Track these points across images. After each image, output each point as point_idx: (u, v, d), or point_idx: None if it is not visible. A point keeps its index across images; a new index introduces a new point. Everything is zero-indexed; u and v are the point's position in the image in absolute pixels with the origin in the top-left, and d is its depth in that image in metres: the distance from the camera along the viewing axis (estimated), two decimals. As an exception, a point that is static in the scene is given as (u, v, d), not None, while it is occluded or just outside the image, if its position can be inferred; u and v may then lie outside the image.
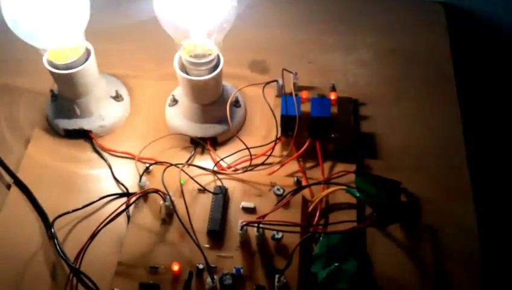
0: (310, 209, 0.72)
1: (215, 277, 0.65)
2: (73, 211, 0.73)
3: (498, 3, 0.96)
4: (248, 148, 0.75)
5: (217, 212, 0.70)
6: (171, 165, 0.72)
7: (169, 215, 0.71)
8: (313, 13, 0.97)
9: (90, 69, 0.77)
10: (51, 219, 0.73)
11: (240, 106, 0.81)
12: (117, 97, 0.83)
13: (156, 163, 0.75)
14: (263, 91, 0.77)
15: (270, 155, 0.76)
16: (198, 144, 0.80)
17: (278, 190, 0.72)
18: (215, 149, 0.79)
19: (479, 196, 0.73)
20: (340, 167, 0.76)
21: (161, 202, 0.71)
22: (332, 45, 0.91)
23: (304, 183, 0.74)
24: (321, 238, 0.68)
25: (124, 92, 0.84)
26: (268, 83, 0.79)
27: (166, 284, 0.66)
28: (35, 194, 0.75)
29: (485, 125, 1.00)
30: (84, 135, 0.81)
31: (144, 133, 0.81)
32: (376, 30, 0.93)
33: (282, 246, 0.68)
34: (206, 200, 0.71)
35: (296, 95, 0.76)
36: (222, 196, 0.71)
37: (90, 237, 0.66)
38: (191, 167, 0.74)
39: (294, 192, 0.71)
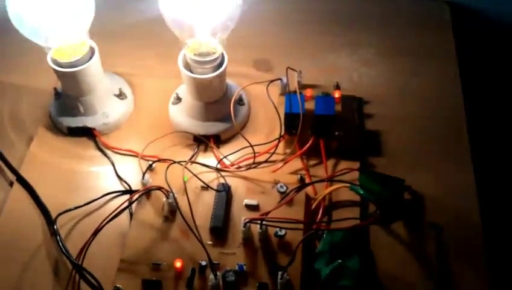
0: (313, 206, 0.72)
1: (217, 273, 0.64)
2: (76, 208, 0.73)
3: (503, 2, 0.96)
4: (252, 146, 0.75)
5: (220, 210, 0.69)
6: (174, 162, 0.72)
7: (172, 212, 0.70)
8: (318, 12, 0.97)
9: (94, 68, 0.77)
10: (53, 216, 0.73)
11: (243, 103, 0.81)
12: (120, 95, 0.83)
13: (159, 160, 0.75)
14: (267, 89, 0.77)
15: (273, 153, 0.76)
16: (202, 142, 0.79)
17: (281, 187, 0.71)
18: (218, 147, 0.79)
19: (483, 194, 0.73)
20: (343, 165, 0.76)
21: (164, 199, 0.70)
22: (337, 44, 0.91)
23: (307, 180, 0.73)
24: (324, 235, 0.67)
25: (127, 90, 0.84)
26: (272, 81, 0.79)
27: (169, 281, 0.66)
28: (38, 192, 0.75)
29: (490, 123, 1.00)
30: (87, 133, 0.81)
31: (147, 131, 0.81)
32: (381, 28, 0.93)
33: (285, 243, 0.67)
34: (209, 197, 0.71)
35: (300, 93, 0.76)
36: (225, 193, 0.71)
37: (93, 233, 0.66)
38: (194, 165, 0.74)
39: (298, 189, 0.71)
